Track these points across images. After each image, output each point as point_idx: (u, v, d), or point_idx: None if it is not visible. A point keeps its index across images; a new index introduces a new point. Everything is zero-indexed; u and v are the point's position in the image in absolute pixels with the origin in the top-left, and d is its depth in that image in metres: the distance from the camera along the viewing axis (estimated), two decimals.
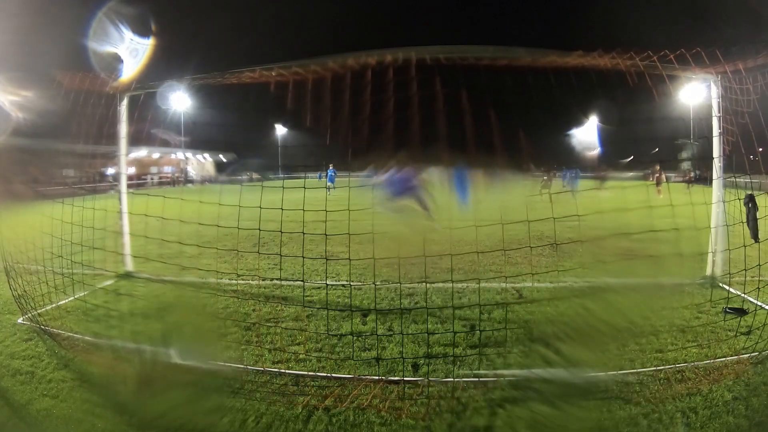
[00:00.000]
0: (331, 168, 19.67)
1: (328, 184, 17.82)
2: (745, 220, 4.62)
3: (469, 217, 7.71)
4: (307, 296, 4.83)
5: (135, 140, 6.26)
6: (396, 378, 3.02)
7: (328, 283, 5.19)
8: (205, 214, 4.61)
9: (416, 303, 4.56)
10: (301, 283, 5.20)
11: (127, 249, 5.85)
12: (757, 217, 4.52)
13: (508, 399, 2.77)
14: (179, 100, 37.45)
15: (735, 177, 4.79)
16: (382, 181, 5.49)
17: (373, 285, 5.08)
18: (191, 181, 39.24)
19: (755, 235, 4.46)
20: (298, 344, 3.58)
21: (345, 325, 3.96)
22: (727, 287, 4.73)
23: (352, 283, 5.20)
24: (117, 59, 5.17)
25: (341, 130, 4.99)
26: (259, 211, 3.67)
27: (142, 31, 5.16)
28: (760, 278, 4.19)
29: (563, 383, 2.97)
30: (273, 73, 4.39)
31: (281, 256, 4.35)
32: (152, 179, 39.37)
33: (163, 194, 4.93)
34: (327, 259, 4.73)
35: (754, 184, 4.37)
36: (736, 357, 3.19)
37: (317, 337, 3.72)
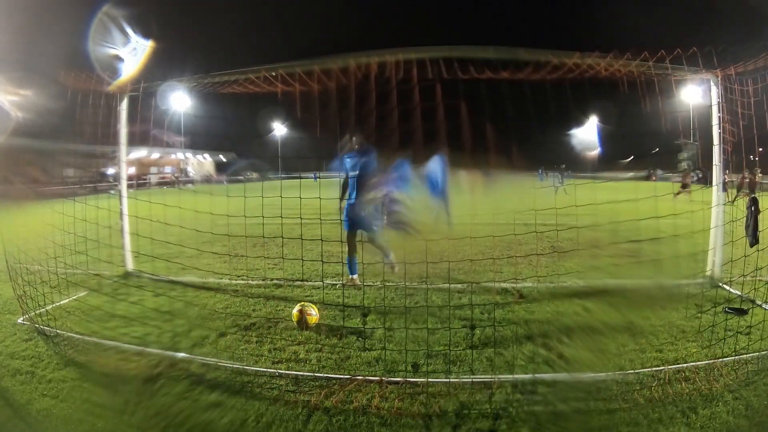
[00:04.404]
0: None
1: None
2: (745, 224, 4.62)
3: (469, 216, 7.71)
4: (307, 296, 4.82)
5: (135, 140, 6.26)
6: (396, 378, 3.02)
7: (327, 282, 5.20)
8: (205, 214, 4.61)
9: (416, 303, 4.56)
10: (301, 282, 5.21)
11: (128, 249, 5.85)
12: (758, 221, 4.52)
13: (509, 401, 2.77)
14: (179, 100, 37.43)
15: (734, 180, 4.79)
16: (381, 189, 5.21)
17: (373, 285, 5.09)
18: (191, 181, 39.26)
19: (753, 241, 4.47)
20: (298, 344, 3.58)
21: (345, 325, 3.95)
22: (727, 287, 4.73)
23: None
24: (117, 59, 5.16)
25: (341, 131, 5.01)
26: (262, 210, 3.68)
27: (142, 31, 5.15)
28: (761, 279, 4.20)
29: (565, 385, 2.97)
30: (273, 74, 4.40)
31: (283, 258, 4.36)
32: (151, 179, 39.39)
33: (164, 194, 4.93)
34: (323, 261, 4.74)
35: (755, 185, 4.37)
36: (736, 357, 3.19)
37: (317, 337, 3.73)
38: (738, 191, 14.50)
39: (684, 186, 15.60)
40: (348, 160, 5.13)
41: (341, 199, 5.19)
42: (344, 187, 5.21)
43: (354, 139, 5.05)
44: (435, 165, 4.98)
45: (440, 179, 5.00)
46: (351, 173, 5.11)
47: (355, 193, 5.08)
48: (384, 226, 5.06)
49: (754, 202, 4.59)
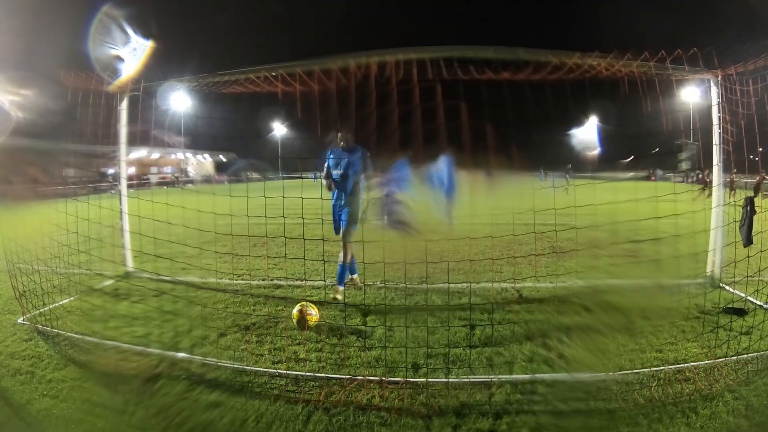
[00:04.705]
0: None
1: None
2: (740, 224, 4.62)
3: (469, 216, 7.71)
4: (307, 296, 4.82)
5: (135, 140, 6.26)
6: (396, 378, 3.02)
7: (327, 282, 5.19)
8: (206, 214, 4.61)
9: (416, 303, 4.56)
10: (301, 282, 5.21)
11: (128, 249, 5.85)
12: (753, 221, 4.52)
13: (509, 401, 2.77)
14: (179, 100, 37.42)
15: (734, 179, 4.81)
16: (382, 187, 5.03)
17: (373, 284, 5.09)
18: (191, 181, 39.29)
19: (747, 242, 4.47)
20: (298, 344, 3.58)
21: (345, 325, 3.95)
22: (727, 287, 4.73)
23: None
24: (117, 59, 5.16)
25: (342, 131, 4.99)
26: (264, 210, 3.68)
27: (142, 31, 5.16)
28: (762, 279, 4.20)
29: (565, 385, 2.97)
30: (273, 74, 4.40)
31: (285, 257, 4.35)
32: (151, 179, 39.41)
33: (166, 194, 4.93)
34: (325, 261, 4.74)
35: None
36: (736, 357, 3.19)
37: (317, 337, 3.73)
38: (755, 192, 14.38)
39: (705, 186, 15.33)
40: (332, 157, 4.89)
41: (328, 184, 4.95)
42: (328, 181, 5.00)
43: (340, 135, 4.82)
44: (442, 165, 4.95)
45: (447, 180, 4.97)
46: (335, 172, 4.87)
47: (340, 192, 4.90)
48: (357, 229, 4.95)
49: (750, 202, 4.59)
